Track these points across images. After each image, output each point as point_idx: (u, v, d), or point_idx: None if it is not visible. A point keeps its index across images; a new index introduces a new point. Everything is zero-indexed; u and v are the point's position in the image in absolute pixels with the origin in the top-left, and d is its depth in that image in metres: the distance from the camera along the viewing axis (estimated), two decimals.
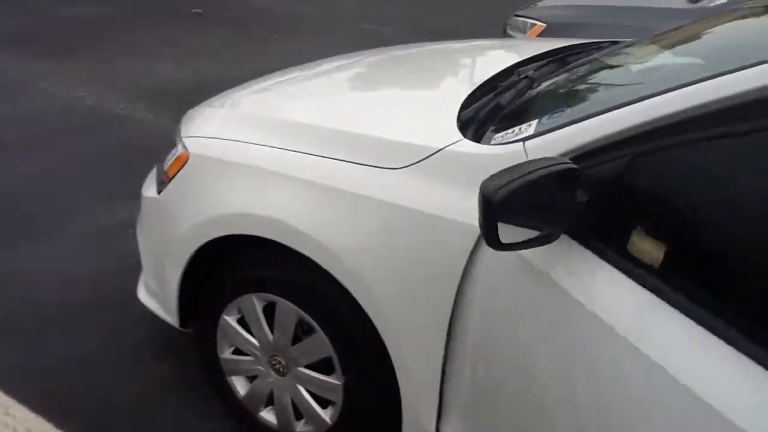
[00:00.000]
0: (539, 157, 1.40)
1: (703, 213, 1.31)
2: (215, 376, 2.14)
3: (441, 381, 1.68)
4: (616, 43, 2.59)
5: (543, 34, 4.36)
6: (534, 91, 2.00)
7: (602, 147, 1.40)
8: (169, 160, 2.14)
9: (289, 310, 1.88)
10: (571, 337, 1.39)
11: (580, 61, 2.26)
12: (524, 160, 1.47)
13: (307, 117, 1.99)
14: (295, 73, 2.53)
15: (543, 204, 1.32)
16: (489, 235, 1.29)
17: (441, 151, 1.64)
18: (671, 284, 1.25)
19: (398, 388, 1.74)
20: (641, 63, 2.01)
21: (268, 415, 2.08)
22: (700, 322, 1.19)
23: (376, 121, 1.92)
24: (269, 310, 1.93)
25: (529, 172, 1.27)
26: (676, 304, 1.23)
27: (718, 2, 4.03)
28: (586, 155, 1.40)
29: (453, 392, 1.67)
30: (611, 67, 2.06)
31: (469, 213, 1.49)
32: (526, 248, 1.36)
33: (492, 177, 1.28)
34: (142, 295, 2.29)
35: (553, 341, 1.43)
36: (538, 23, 4.42)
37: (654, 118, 1.32)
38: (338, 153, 1.76)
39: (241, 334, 2.00)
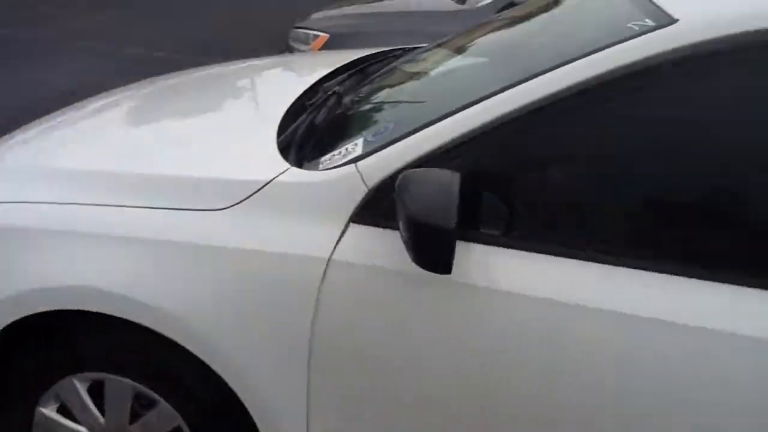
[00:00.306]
0: (372, 178, 1.40)
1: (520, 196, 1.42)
2: None
3: (306, 413, 1.56)
4: (406, 50, 2.62)
5: (327, 44, 4.37)
6: (346, 108, 1.95)
7: (436, 156, 1.41)
8: None
9: (120, 387, 1.65)
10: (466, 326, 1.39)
11: (382, 71, 2.25)
12: (359, 181, 1.43)
13: (102, 163, 1.76)
14: (69, 114, 2.25)
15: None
16: (447, 263, 1.28)
17: (269, 184, 1.52)
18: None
19: None
20: (444, 69, 2.05)
21: None
22: None
23: (184, 158, 1.74)
24: (96, 390, 1.68)
25: (446, 184, 1.28)
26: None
27: (484, 2, 4.30)
28: (416, 165, 1.42)
29: (321, 419, 1.56)
30: (417, 75, 2.08)
31: (314, 244, 1.43)
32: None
33: (413, 205, 1.27)
34: None
35: (446, 336, 1.41)
36: (321, 34, 4.42)
37: (477, 125, 1.41)
38: (147, 200, 1.57)
39: (65, 426, 1.72)
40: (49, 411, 1.72)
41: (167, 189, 1.58)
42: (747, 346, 1.28)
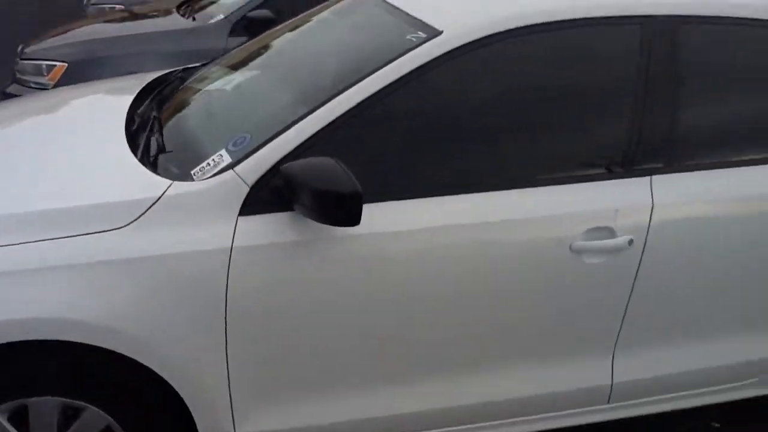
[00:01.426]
0: (254, 177, 1.79)
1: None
2: None
3: (229, 394, 1.90)
4: (190, 69, 2.95)
5: (66, 73, 4.35)
6: (178, 126, 2.27)
7: (296, 151, 1.85)
8: None
9: (45, 406, 1.80)
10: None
11: (185, 90, 2.58)
12: (240, 182, 1.81)
13: None
14: None
15: None
16: (358, 216, 1.72)
17: (161, 199, 1.81)
18: None
19: (191, 422, 1.89)
20: (255, 82, 2.48)
21: None
22: None
23: (62, 188, 1.92)
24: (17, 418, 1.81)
25: (331, 165, 1.73)
26: None
27: (217, 18, 4.64)
28: (284, 160, 1.83)
29: (241, 397, 1.91)
30: (231, 91, 2.46)
31: (215, 239, 1.79)
32: None
33: (317, 183, 1.71)
34: None
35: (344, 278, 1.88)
36: (58, 64, 4.39)
37: (322, 125, 1.88)
38: (48, 233, 1.75)
39: None
40: None
41: (65, 219, 1.77)
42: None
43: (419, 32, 2.06)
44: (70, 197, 1.86)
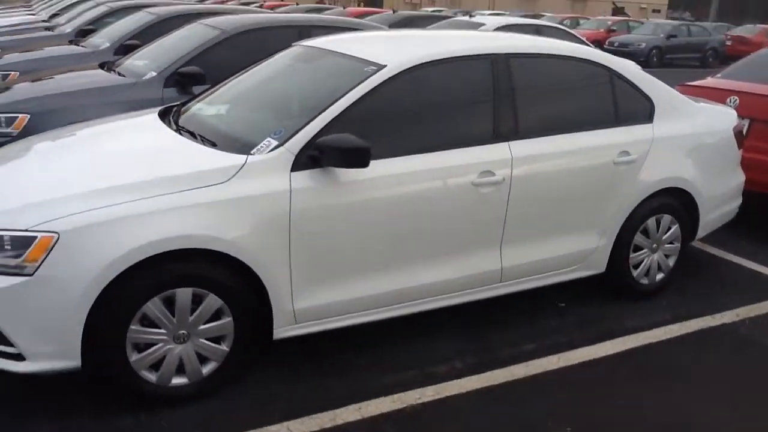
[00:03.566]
0: (297, 149, 3.09)
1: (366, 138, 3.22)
2: (109, 365, 2.89)
3: (290, 281, 3.13)
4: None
5: (30, 123, 5.19)
6: (220, 129, 3.50)
7: (318, 133, 3.17)
8: None
9: (184, 294, 2.92)
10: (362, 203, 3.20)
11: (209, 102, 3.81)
12: (289, 153, 3.10)
13: (128, 177, 2.98)
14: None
15: None
16: (367, 162, 3.05)
17: (246, 164, 3.05)
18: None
19: (268, 301, 3.09)
20: (268, 93, 3.83)
21: (149, 375, 2.97)
22: None
23: (182, 163, 3.10)
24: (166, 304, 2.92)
25: (350, 137, 3.05)
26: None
27: (150, 75, 5.70)
28: (315, 137, 3.15)
29: (297, 284, 3.15)
30: (249, 102, 3.77)
31: (281, 185, 3.05)
32: None
33: (344, 144, 3.04)
34: (32, 367, 2.77)
35: (357, 203, 3.20)
36: (21, 115, 5.23)
37: (333, 117, 3.20)
38: (186, 185, 2.93)
39: (151, 332, 2.89)
40: (137, 326, 2.87)
41: (189, 179, 2.95)
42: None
43: (372, 67, 3.47)
44: (185, 168, 3.04)
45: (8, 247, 2.76)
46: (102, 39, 8.15)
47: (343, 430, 2.97)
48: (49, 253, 2.72)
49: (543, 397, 3.30)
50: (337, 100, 3.27)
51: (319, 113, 3.23)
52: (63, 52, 7.99)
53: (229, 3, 22.68)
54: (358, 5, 40.35)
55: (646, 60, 20.71)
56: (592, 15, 36.58)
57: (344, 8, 21.36)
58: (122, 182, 2.96)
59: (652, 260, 4.30)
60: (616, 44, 22.44)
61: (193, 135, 3.49)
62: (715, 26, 26.52)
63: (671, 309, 4.26)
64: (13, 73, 7.30)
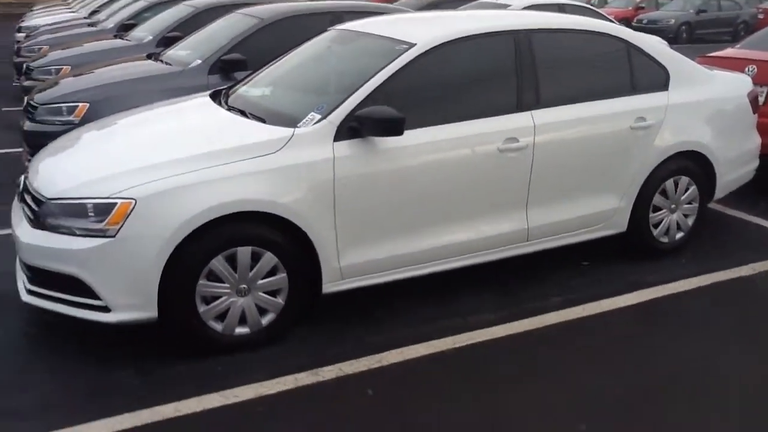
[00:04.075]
0: (339, 121, 3.44)
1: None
2: (181, 316, 3.28)
3: (336, 241, 3.50)
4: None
5: (89, 110, 5.65)
6: (267, 106, 3.87)
7: (356, 107, 3.51)
8: (76, 219, 3.16)
9: (244, 252, 3.31)
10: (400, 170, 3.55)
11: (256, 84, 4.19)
12: (331, 124, 3.46)
13: (196, 149, 3.37)
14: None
15: None
16: (402, 130, 3.39)
17: (294, 135, 3.42)
18: None
19: (317, 259, 3.46)
20: (306, 74, 4.16)
21: (215, 325, 3.37)
22: None
23: (237, 137, 3.48)
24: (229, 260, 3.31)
25: (386, 108, 3.41)
26: None
27: (196, 63, 6.10)
28: (354, 110, 3.50)
29: (342, 242, 3.51)
30: (291, 82, 4.13)
31: (326, 153, 3.41)
32: None
33: (380, 115, 3.37)
34: (117, 317, 3.19)
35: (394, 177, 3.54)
36: (81, 104, 5.69)
37: (369, 92, 3.54)
38: (237, 157, 3.31)
39: (216, 286, 3.29)
40: (205, 281, 3.26)
41: (246, 150, 3.34)
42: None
43: (403, 45, 3.81)
44: (241, 140, 3.42)
45: (91, 214, 3.17)
46: (144, 32, 8.59)
47: (388, 369, 3.34)
48: (128, 217, 3.13)
49: (567, 341, 3.63)
50: (372, 77, 3.61)
51: (357, 89, 3.57)
52: (109, 46, 8.47)
53: None
54: None
55: (675, 36, 20.59)
56: None
57: None
58: (187, 154, 3.35)
59: (671, 220, 4.58)
60: (644, 21, 22.32)
61: (243, 113, 3.87)
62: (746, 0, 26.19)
63: (690, 265, 4.54)
64: (65, 67, 7.79)
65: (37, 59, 8.64)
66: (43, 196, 3.32)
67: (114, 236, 3.13)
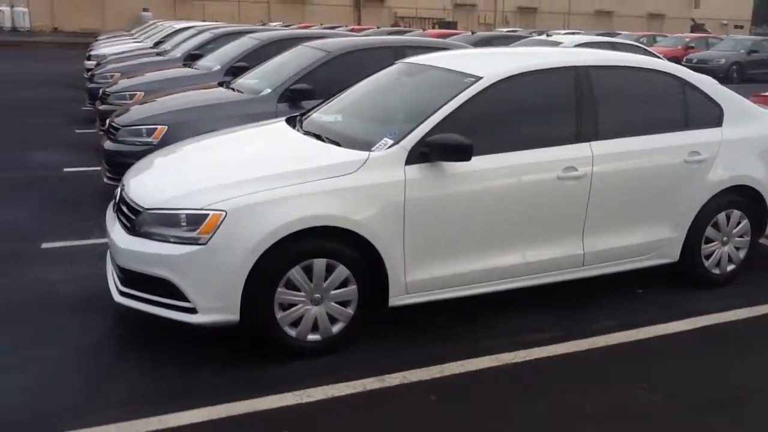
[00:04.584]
0: (410, 146, 3.72)
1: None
2: (260, 320, 3.54)
3: (403, 257, 3.75)
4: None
5: (167, 133, 6.05)
6: (341, 132, 4.17)
7: (426, 134, 3.78)
8: (178, 228, 3.47)
9: (321, 263, 3.58)
10: (464, 195, 3.80)
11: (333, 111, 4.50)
12: (403, 150, 3.73)
13: (278, 168, 3.68)
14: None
15: None
16: (470, 155, 3.65)
17: (369, 158, 3.71)
18: None
19: (385, 274, 3.71)
20: (376, 101, 4.46)
21: (290, 330, 3.63)
22: None
23: (316, 158, 3.79)
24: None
25: (454, 136, 3.67)
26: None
27: (266, 91, 6.49)
28: (425, 137, 3.77)
29: (410, 260, 3.76)
30: (362, 109, 4.42)
31: (398, 176, 3.68)
32: None
33: (450, 141, 3.65)
34: (203, 319, 3.47)
35: (459, 203, 3.79)
36: (160, 126, 6.11)
37: (439, 121, 3.82)
38: (319, 176, 3.60)
39: (292, 293, 3.56)
40: (283, 289, 3.54)
41: (326, 170, 3.63)
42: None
43: (470, 78, 4.08)
44: (319, 161, 3.72)
45: (184, 224, 3.49)
46: (212, 62, 9.09)
47: (450, 380, 3.55)
48: (218, 228, 3.43)
49: (623, 362, 3.79)
50: (442, 106, 3.89)
51: (428, 117, 3.85)
52: (179, 74, 8.98)
53: (312, 29, 23.83)
54: (432, 27, 41.19)
55: (725, 76, 20.60)
56: (670, 32, 36.23)
57: (423, 30, 22.18)
58: (272, 172, 3.66)
59: (723, 252, 4.72)
60: (694, 61, 22.38)
61: (318, 137, 4.18)
62: None
63: (741, 296, 4.65)
64: (139, 93, 8.29)
65: (111, 85, 9.20)
66: (140, 206, 3.66)
67: (205, 244, 3.43)
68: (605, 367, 3.73)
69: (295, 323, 3.64)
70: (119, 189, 4.10)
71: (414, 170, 3.74)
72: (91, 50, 16.92)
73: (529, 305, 4.36)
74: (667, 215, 4.47)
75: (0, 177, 7.51)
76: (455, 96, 3.95)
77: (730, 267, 4.78)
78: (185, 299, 3.49)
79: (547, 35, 14.68)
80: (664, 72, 4.59)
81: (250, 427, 3.15)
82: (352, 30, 22.63)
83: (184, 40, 12.77)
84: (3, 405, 3.25)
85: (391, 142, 3.82)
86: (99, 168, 7.26)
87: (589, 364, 3.76)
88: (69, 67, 20.31)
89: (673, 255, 4.58)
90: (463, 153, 3.68)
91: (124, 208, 3.83)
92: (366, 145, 3.85)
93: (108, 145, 6.44)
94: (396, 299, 3.83)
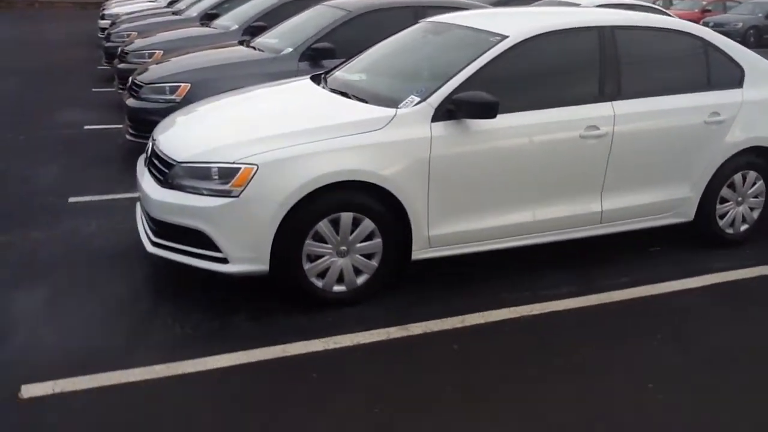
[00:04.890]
0: (437, 104, 3.79)
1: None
2: (288, 271, 3.68)
3: (427, 212, 3.85)
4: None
5: (190, 90, 6.14)
6: (369, 89, 4.24)
7: (454, 91, 3.86)
8: (205, 182, 3.58)
9: (347, 217, 3.69)
10: (492, 149, 3.89)
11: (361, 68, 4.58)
12: (429, 106, 3.81)
13: (314, 122, 3.79)
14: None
15: None
16: (495, 113, 3.74)
17: (396, 115, 3.79)
18: None
19: (409, 227, 3.82)
20: (406, 58, 4.57)
21: (317, 281, 3.77)
22: None
23: (346, 114, 3.88)
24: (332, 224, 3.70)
25: (482, 93, 3.75)
26: None
27: (287, 50, 6.54)
28: (451, 95, 3.84)
29: (433, 214, 3.87)
30: (390, 67, 4.51)
31: (425, 132, 3.76)
32: None
33: (476, 99, 3.73)
34: (234, 268, 3.60)
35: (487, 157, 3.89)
36: (183, 84, 6.19)
37: (465, 79, 3.89)
38: (349, 131, 3.69)
39: (320, 245, 3.68)
40: (311, 241, 3.66)
41: (354, 126, 3.72)
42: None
43: (496, 37, 4.14)
44: (348, 117, 3.81)
45: (216, 177, 3.60)
46: (229, 21, 9.10)
47: (472, 329, 3.69)
48: (250, 181, 3.54)
49: (637, 315, 3.91)
50: (469, 64, 3.96)
51: (455, 74, 3.92)
52: (197, 33, 9.01)
53: None
54: None
55: (743, 40, 20.29)
56: None
57: None
58: (301, 128, 3.76)
59: (738, 212, 4.80)
60: (710, 24, 22.05)
61: (344, 94, 4.26)
62: None
63: (754, 256, 4.74)
64: (158, 52, 8.35)
65: (129, 44, 9.24)
66: (173, 160, 3.77)
67: (237, 197, 3.54)
68: (619, 321, 3.85)
69: (322, 274, 3.77)
70: (150, 143, 4.21)
71: (440, 127, 3.82)
72: (104, 9, 16.88)
73: (545, 263, 4.47)
74: (685, 175, 4.55)
75: (23, 135, 7.63)
76: (481, 54, 4.01)
77: (744, 227, 4.86)
78: (217, 249, 3.62)
79: None
80: (687, 33, 4.62)
81: (281, 370, 3.31)
82: None
83: (198, 0, 12.75)
84: (50, 346, 3.42)
85: (417, 99, 3.90)
86: (118, 125, 7.39)
87: (604, 318, 3.88)
88: (81, 27, 20.29)
89: (688, 214, 4.67)
90: (489, 110, 3.75)
91: (157, 162, 3.94)
92: (392, 102, 3.93)
93: (131, 102, 6.54)
94: (419, 253, 3.95)
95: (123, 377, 3.18)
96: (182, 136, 4.08)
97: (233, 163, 3.58)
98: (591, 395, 3.19)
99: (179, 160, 3.74)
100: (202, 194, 3.62)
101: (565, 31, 4.26)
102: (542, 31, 4.16)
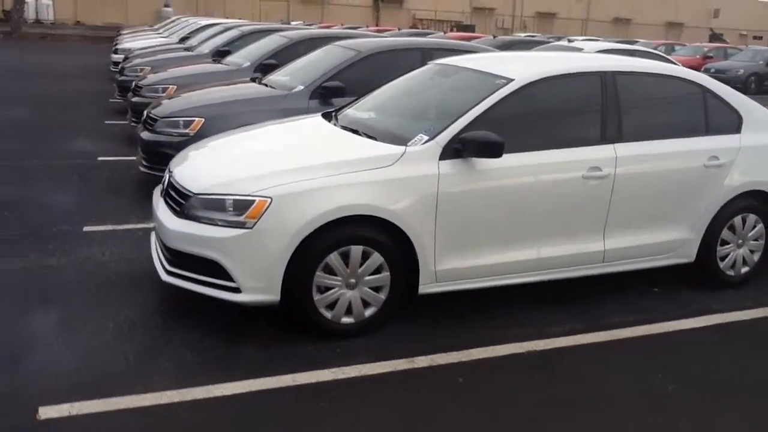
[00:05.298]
0: (444, 143, 3.94)
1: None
2: (299, 301, 3.77)
3: (434, 247, 3.97)
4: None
5: (203, 126, 6.30)
6: (377, 128, 4.39)
7: (460, 132, 4.00)
8: (223, 214, 3.70)
9: (357, 250, 3.80)
10: (499, 189, 4.03)
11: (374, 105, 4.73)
12: (437, 145, 3.96)
13: (317, 160, 3.92)
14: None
15: None
16: (501, 153, 3.87)
17: (405, 152, 3.93)
18: None
19: (416, 261, 3.93)
20: (415, 100, 4.71)
21: (326, 312, 3.86)
22: None
23: (357, 150, 4.02)
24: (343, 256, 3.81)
25: (487, 133, 3.89)
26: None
27: (298, 88, 6.73)
28: (458, 134, 3.99)
29: (440, 250, 3.98)
30: (397, 107, 4.64)
31: (431, 170, 3.90)
32: None
33: (484, 139, 3.87)
34: (246, 298, 3.70)
35: (491, 196, 4.01)
36: (197, 119, 6.36)
37: (472, 119, 4.04)
38: (358, 167, 3.83)
39: (329, 277, 3.78)
40: (321, 273, 3.77)
41: (365, 162, 3.86)
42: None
43: (502, 80, 4.30)
44: (358, 154, 3.95)
45: (230, 209, 3.72)
46: (241, 58, 9.35)
47: (477, 363, 3.77)
48: (264, 213, 3.66)
49: (641, 353, 3.99)
50: (475, 105, 4.12)
51: (462, 115, 4.07)
52: (210, 69, 9.25)
53: (333, 28, 24.10)
54: (451, 30, 41.36)
55: (744, 86, 20.65)
56: (689, 42, 36.24)
57: (444, 33, 22.40)
58: (313, 163, 3.90)
59: (738, 254, 4.91)
60: (712, 70, 22.45)
61: (354, 131, 4.41)
62: None
63: (754, 297, 4.84)
64: (171, 86, 8.56)
65: (142, 79, 9.47)
66: (189, 191, 3.90)
67: (251, 228, 3.67)
68: (624, 357, 3.93)
69: (331, 306, 3.87)
70: (167, 175, 4.35)
71: (447, 165, 3.96)
72: (117, 44, 17.27)
73: (549, 300, 4.57)
74: (685, 217, 4.67)
75: (39, 164, 7.79)
76: (488, 96, 4.17)
77: (744, 269, 4.96)
78: (230, 279, 3.73)
79: (569, 41, 14.87)
80: (686, 79, 4.79)
81: (291, 399, 3.38)
82: (376, 30, 22.93)
83: (211, 37, 13.05)
84: (66, 369, 3.50)
85: (426, 137, 4.04)
86: (131, 157, 7.55)
87: (611, 354, 3.96)
88: (92, 61, 20.66)
89: (689, 255, 4.77)
90: (495, 150, 3.89)
91: (173, 193, 4.07)
92: (401, 140, 4.07)
93: (145, 135, 6.71)
94: (426, 287, 4.05)
95: (136, 402, 3.26)
96: (198, 169, 4.23)
97: (248, 195, 3.71)
98: (594, 430, 3.26)
99: (195, 192, 3.87)
100: (217, 225, 3.74)
101: (568, 75, 4.43)
102: (546, 75, 4.33)
